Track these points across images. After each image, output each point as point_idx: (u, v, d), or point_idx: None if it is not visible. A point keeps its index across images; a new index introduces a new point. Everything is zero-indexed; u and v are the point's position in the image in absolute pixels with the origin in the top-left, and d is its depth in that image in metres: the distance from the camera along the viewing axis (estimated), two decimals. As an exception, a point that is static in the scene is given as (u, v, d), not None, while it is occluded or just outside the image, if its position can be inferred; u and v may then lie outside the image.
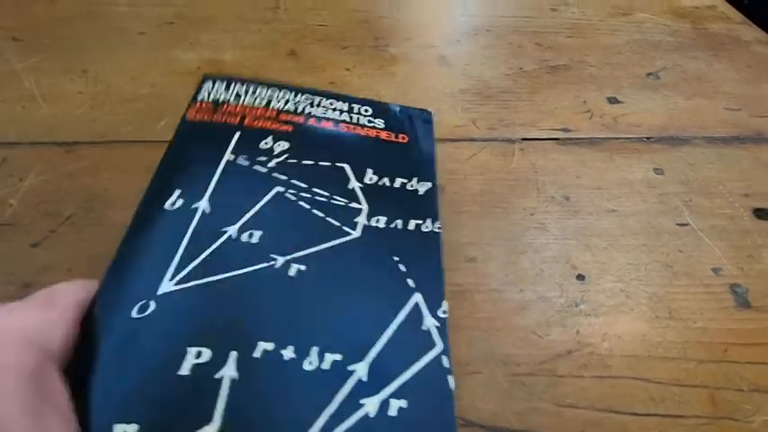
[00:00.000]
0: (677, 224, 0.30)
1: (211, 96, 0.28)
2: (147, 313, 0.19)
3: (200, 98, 0.28)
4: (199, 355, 0.18)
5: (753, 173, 0.34)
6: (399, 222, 0.25)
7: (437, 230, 0.25)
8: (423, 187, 0.27)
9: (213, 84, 0.29)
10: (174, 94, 0.36)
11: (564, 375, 0.23)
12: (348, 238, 0.23)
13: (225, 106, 0.28)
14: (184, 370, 0.18)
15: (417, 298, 0.22)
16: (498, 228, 0.29)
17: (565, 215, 0.30)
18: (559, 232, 0.29)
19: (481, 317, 0.25)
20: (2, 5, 0.44)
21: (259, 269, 0.21)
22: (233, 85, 0.29)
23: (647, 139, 0.36)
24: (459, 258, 0.27)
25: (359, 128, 0.29)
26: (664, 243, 0.29)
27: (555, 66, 0.42)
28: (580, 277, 0.27)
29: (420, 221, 0.25)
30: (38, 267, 0.25)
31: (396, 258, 0.23)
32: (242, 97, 0.29)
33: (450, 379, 0.20)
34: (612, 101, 0.39)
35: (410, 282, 0.22)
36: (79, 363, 0.17)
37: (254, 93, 0.29)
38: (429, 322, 0.21)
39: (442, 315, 0.22)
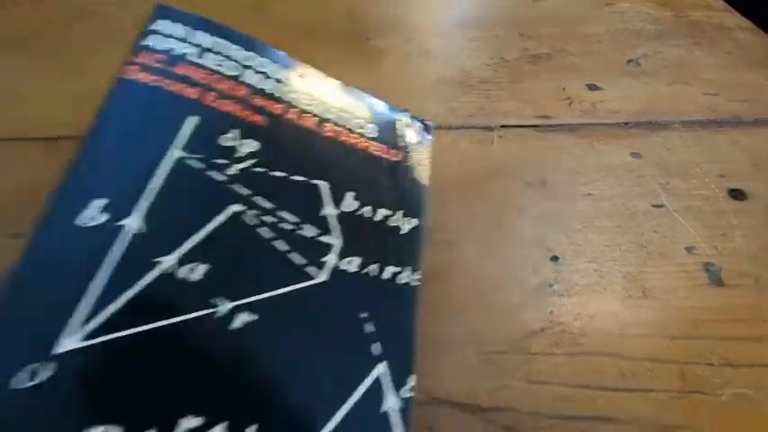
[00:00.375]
0: (653, 205, 0.30)
1: (164, 44, 0.20)
2: (36, 382, 0.14)
3: (147, 43, 0.20)
4: None
5: (729, 155, 0.34)
6: (374, 268, 0.21)
7: (415, 283, 0.22)
8: (407, 225, 0.23)
9: (171, 23, 0.21)
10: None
11: (536, 353, 0.23)
12: (312, 282, 0.19)
13: (181, 65, 0.20)
14: None
15: (381, 370, 0.19)
16: (476, 212, 0.29)
17: (542, 199, 0.30)
18: (536, 216, 0.29)
19: (456, 297, 0.25)
20: (-12, 6, 0.45)
21: (194, 318, 0.17)
22: (197, 32, 0.21)
23: (626, 124, 0.36)
24: (437, 242, 0.27)
25: (346, 133, 0.24)
26: (639, 224, 0.29)
27: (536, 55, 0.43)
28: (554, 258, 0.27)
29: (398, 270, 0.21)
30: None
31: (363, 315, 0.20)
32: (206, 54, 0.21)
33: None
34: (592, 88, 0.39)
35: (375, 348, 0.19)
36: None
37: (224, 50, 0.22)
38: (390, 403, 0.18)
39: (407, 394, 0.18)
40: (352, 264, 0.21)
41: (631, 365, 0.23)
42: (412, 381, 0.19)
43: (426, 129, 0.28)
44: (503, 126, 0.35)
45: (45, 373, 0.14)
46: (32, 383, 0.14)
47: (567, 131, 0.35)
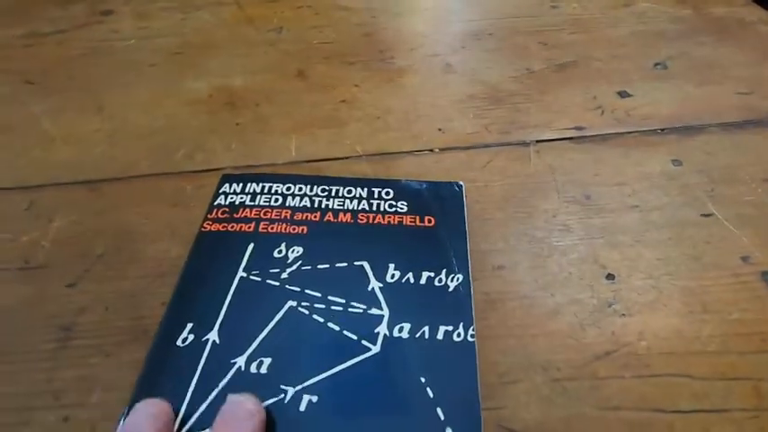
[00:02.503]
0: (701, 215, 0.30)
1: (228, 199, 0.28)
2: None
3: (217, 203, 0.28)
4: None
5: (772, 156, 0.34)
6: (426, 330, 0.22)
7: (471, 339, 0.22)
8: (453, 282, 0.24)
9: (230, 185, 0.29)
10: (188, 125, 0.37)
11: (605, 377, 0.23)
12: (366, 354, 0.21)
13: (241, 210, 0.27)
14: None
15: None
16: (523, 232, 0.29)
17: (587, 214, 0.30)
18: (584, 232, 0.29)
19: (514, 324, 0.25)
20: (12, 49, 0.45)
21: (268, 405, 0.20)
22: (249, 184, 0.29)
23: (662, 130, 0.36)
24: (487, 267, 0.27)
25: (379, 215, 0.27)
26: (690, 235, 0.29)
27: (562, 64, 0.42)
28: (610, 276, 0.27)
29: (450, 328, 0.22)
30: (76, 308, 0.26)
31: (422, 380, 0.20)
32: (258, 197, 0.28)
33: None
34: (623, 95, 0.39)
35: (440, 412, 0.20)
36: None
37: (269, 191, 0.28)
38: None
39: None
40: (403, 330, 0.22)
41: (703, 385, 0.23)
42: None
43: (459, 188, 0.29)
44: (538, 141, 0.35)
45: None
46: None
47: (602, 141, 0.35)
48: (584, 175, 0.33)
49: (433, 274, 0.24)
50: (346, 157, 0.34)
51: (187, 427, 0.19)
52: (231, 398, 0.19)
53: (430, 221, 0.27)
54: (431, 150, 0.35)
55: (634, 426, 0.21)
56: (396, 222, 0.27)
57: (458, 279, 0.24)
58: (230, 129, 0.36)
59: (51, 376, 0.23)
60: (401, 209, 0.27)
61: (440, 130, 0.36)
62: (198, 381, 0.21)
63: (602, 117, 0.37)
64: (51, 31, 0.47)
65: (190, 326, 0.22)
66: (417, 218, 0.27)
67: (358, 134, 0.36)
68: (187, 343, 0.22)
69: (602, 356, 0.24)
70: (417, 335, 0.22)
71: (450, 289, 0.24)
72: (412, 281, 0.24)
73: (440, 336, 0.22)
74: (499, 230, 0.29)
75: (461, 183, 0.29)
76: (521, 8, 0.51)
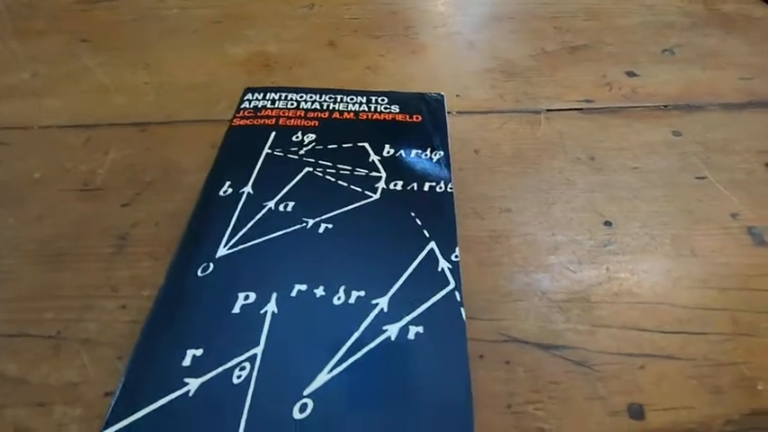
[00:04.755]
0: (696, 177, 0.33)
1: (252, 104, 0.34)
2: (208, 272, 0.24)
3: (242, 106, 0.34)
4: (246, 297, 0.23)
5: (767, 134, 0.36)
6: (415, 185, 0.28)
7: (450, 191, 0.28)
8: (436, 156, 0.30)
9: (253, 94, 0.35)
10: (227, 82, 0.40)
11: (597, 302, 0.26)
12: (369, 200, 0.27)
13: (263, 111, 0.33)
14: (236, 309, 0.22)
15: (432, 245, 0.25)
16: (530, 184, 0.32)
17: (591, 172, 0.33)
18: (586, 186, 0.32)
19: (518, 256, 0.28)
20: (68, 12, 0.49)
21: (293, 230, 0.26)
22: (269, 93, 0.35)
23: (665, 107, 0.39)
24: (495, 209, 0.30)
25: (377, 114, 0.33)
26: (684, 194, 0.31)
27: (575, 46, 0.45)
28: (607, 223, 0.30)
29: (433, 183, 0.28)
30: (130, 222, 0.29)
31: (412, 214, 0.27)
32: (276, 102, 0.34)
33: (463, 310, 0.23)
34: (631, 74, 0.42)
35: (426, 233, 0.26)
36: (161, 305, 0.23)
37: (285, 98, 0.34)
38: (443, 264, 0.24)
39: (455, 259, 0.25)
40: (397, 185, 0.28)
41: (685, 312, 0.25)
42: (457, 251, 0.25)
43: (441, 96, 0.36)
44: (549, 110, 0.38)
45: (211, 267, 0.24)
46: (206, 273, 0.24)
47: (609, 113, 0.38)
48: (589, 141, 0.35)
49: (420, 151, 0.31)
50: (371, 114, 0.37)
51: (230, 243, 0.25)
52: None
53: (418, 118, 0.33)
54: (449, 112, 0.37)
55: (620, 340, 0.24)
56: (390, 118, 0.33)
57: (439, 154, 0.30)
58: (267, 86, 0.40)
59: (110, 274, 0.26)
60: (394, 110, 0.34)
61: (458, 96, 0.39)
62: (237, 219, 0.26)
63: (610, 92, 0.40)
64: (103, -1, 0.51)
65: (228, 182, 0.28)
66: (407, 115, 0.33)
67: (383, 96, 0.39)
68: (227, 194, 0.27)
69: (595, 285, 0.26)
70: (408, 188, 0.28)
71: (434, 160, 0.30)
72: (404, 155, 0.30)
73: (425, 188, 0.28)
74: (508, 181, 0.32)
75: (443, 93, 0.36)
76: (539, -2, 0.54)
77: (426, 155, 0.30)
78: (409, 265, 0.24)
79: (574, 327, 0.25)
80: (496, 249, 0.28)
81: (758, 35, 0.47)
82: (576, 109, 0.38)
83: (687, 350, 0.24)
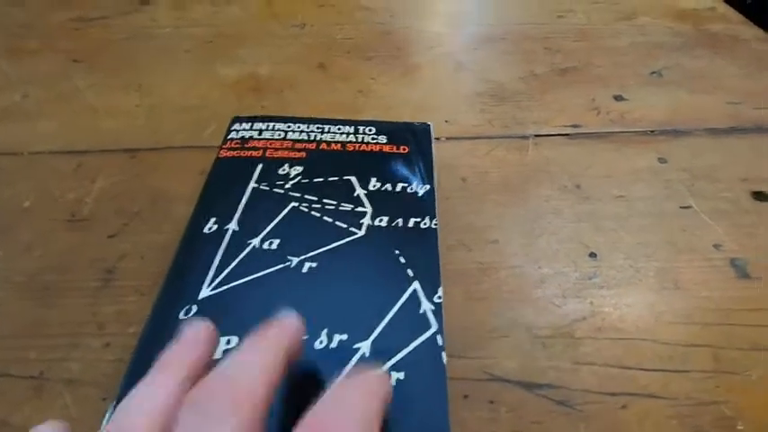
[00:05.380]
0: (680, 207, 0.33)
1: (239, 134, 0.33)
2: (191, 315, 0.24)
3: (230, 137, 0.33)
4: (228, 342, 0.22)
5: (752, 161, 0.36)
6: (400, 221, 0.28)
7: (434, 227, 0.28)
8: (422, 190, 0.30)
9: (240, 123, 0.34)
10: (217, 105, 0.40)
11: (581, 338, 0.26)
12: (354, 237, 0.27)
13: (250, 141, 0.33)
14: (218, 354, 0.21)
15: (416, 285, 0.25)
16: (517, 214, 0.32)
17: (577, 201, 0.33)
18: (572, 216, 0.32)
19: (504, 290, 0.28)
20: (62, 31, 0.49)
21: (277, 270, 0.25)
22: (256, 123, 0.34)
23: (652, 132, 0.39)
24: (482, 240, 0.30)
25: (363, 145, 0.33)
26: (668, 224, 0.32)
27: (564, 68, 0.46)
28: (592, 255, 0.30)
29: (419, 219, 0.28)
30: (117, 255, 0.29)
31: (396, 252, 0.26)
32: (263, 132, 0.34)
33: (444, 355, 0.22)
34: (618, 98, 0.42)
35: (409, 272, 0.25)
36: (143, 348, 0.22)
37: (273, 128, 0.34)
38: (425, 306, 0.24)
39: (438, 300, 0.24)
40: (382, 221, 0.28)
41: (667, 349, 0.25)
42: (440, 292, 0.25)
43: (427, 126, 0.35)
44: (536, 135, 0.38)
45: (194, 310, 0.24)
46: (188, 316, 0.23)
47: (596, 139, 0.38)
48: (576, 167, 0.36)
49: (406, 184, 0.30)
50: (361, 141, 0.37)
51: (214, 284, 0.25)
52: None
53: (404, 149, 0.33)
54: (437, 139, 0.38)
55: (602, 378, 0.24)
56: (377, 150, 0.33)
57: (425, 188, 0.30)
58: (256, 110, 0.40)
59: (96, 310, 0.26)
60: (381, 140, 0.33)
61: (447, 121, 0.39)
62: (221, 258, 0.26)
63: (597, 117, 0.40)
64: (97, 17, 0.51)
65: (213, 218, 0.28)
66: (394, 146, 0.33)
67: (372, 121, 0.39)
68: (212, 231, 0.27)
69: (579, 321, 0.27)
70: (393, 224, 0.28)
71: (420, 194, 0.30)
72: (390, 189, 0.30)
73: (410, 224, 0.28)
74: (496, 210, 0.32)
75: (430, 123, 0.35)
76: (531, 16, 0.54)
77: (412, 188, 0.30)
78: (392, 307, 0.24)
79: (557, 364, 0.25)
80: (483, 282, 0.28)
81: (745, 57, 0.48)
82: (563, 134, 0.39)
83: (669, 388, 0.24)
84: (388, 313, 0.23)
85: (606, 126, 0.39)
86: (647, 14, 0.54)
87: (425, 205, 0.29)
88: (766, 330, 0.26)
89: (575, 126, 0.39)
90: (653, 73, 0.45)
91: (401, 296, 0.24)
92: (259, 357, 0.17)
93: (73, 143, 0.36)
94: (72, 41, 0.47)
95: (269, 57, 0.46)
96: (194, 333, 0.18)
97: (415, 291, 0.25)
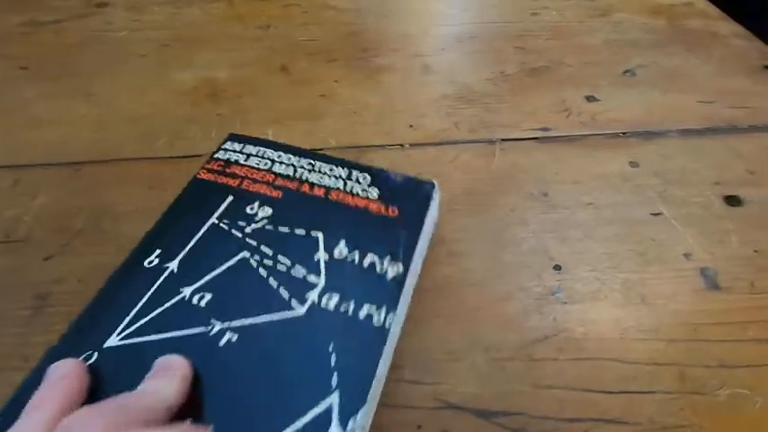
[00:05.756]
0: (651, 214, 0.32)
1: (226, 155, 0.30)
2: (89, 363, 0.21)
3: (216, 156, 0.30)
4: None
5: (725, 162, 0.35)
6: (351, 306, 0.23)
7: (387, 326, 0.22)
8: (392, 270, 0.24)
9: (233, 143, 0.31)
10: (171, 114, 0.39)
11: (541, 359, 0.25)
12: (291, 314, 0.23)
13: (233, 166, 0.30)
14: None
15: (333, 400, 0.20)
16: (481, 224, 0.31)
17: (543, 210, 0.32)
18: (538, 226, 0.31)
19: (464, 307, 0.27)
20: (11, 36, 0.47)
21: (194, 334, 0.22)
22: (247, 145, 0.31)
23: (624, 134, 0.38)
24: (444, 253, 0.29)
25: (349, 197, 0.28)
26: (637, 232, 0.30)
27: (535, 68, 0.44)
28: (557, 267, 0.29)
29: (373, 309, 0.23)
30: (52, 278, 0.27)
31: (330, 348, 0.22)
32: (250, 158, 0.30)
33: None
34: (590, 99, 0.41)
35: (334, 379, 0.21)
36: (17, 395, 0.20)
37: (262, 155, 0.30)
38: None
39: (349, 427, 0.19)
40: (331, 300, 0.23)
41: (632, 369, 0.24)
42: (360, 416, 0.20)
43: (431, 187, 0.29)
44: (504, 140, 0.37)
45: (93, 358, 0.21)
46: (86, 364, 0.21)
47: (566, 142, 0.37)
48: (544, 174, 0.34)
49: (376, 259, 0.25)
50: (320, 149, 0.35)
51: (125, 333, 0.22)
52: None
53: (393, 212, 0.28)
54: (401, 145, 0.36)
55: (562, 402, 0.23)
56: (362, 206, 0.28)
57: (397, 268, 0.25)
58: (211, 119, 0.38)
59: (24, 341, 0.25)
60: (371, 195, 0.28)
61: (411, 126, 0.38)
62: (146, 301, 0.23)
63: (568, 119, 0.39)
64: (49, 20, 0.49)
65: (158, 251, 0.25)
66: (383, 207, 0.28)
67: (333, 127, 0.37)
68: (151, 266, 0.24)
69: (541, 340, 0.25)
70: (342, 308, 0.23)
71: (388, 276, 0.24)
72: (356, 260, 0.25)
73: (361, 315, 0.23)
74: (460, 221, 0.31)
75: (434, 182, 0.29)
76: (504, 14, 0.53)
77: (383, 267, 0.25)
78: (293, 422, 0.19)
79: (515, 388, 0.23)
80: (443, 299, 0.27)
81: (721, 54, 0.46)
82: (531, 138, 0.37)
83: (633, 412, 0.23)
84: (290, 426, 0.19)
85: (576, 129, 0.38)
86: (623, 10, 0.53)
87: (388, 292, 0.24)
88: (734, 346, 0.25)
89: (544, 129, 0.38)
90: (626, 72, 0.44)
91: (312, 408, 0.20)
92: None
93: (12, 157, 0.34)
94: (21, 47, 0.45)
95: (228, 60, 0.44)
96: (60, 372, 0.19)
97: (329, 408, 0.20)
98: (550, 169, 0.35)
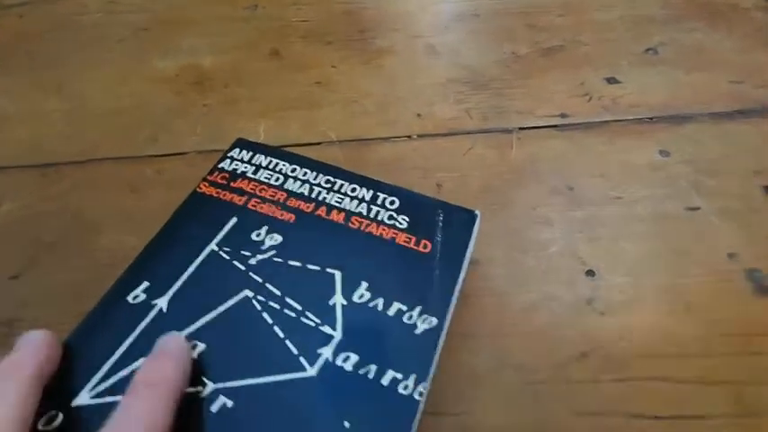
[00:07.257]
0: (687, 208, 0.29)
1: (232, 165, 0.26)
2: (52, 426, 0.17)
3: (221, 166, 0.26)
4: None
5: (761, 148, 0.32)
6: (373, 370, 0.19)
7: (417, 397, 0.18)
8: (424, 324, 0.20)
9: (240, 151, 0.27)
10: (152, 105, 0.35)
11: (579, 381, 0.22)
12: (300, 375, 0.19)
13: (239, 180, 0.25)
14: None
15: None
16: (502, 225, 0.28)
17: (568, 206, 0.29)
18: (564, 226, 0.28)
19: (488, 323, 0.24)
20: (-31, 23, 0.42)
21: (186, 394, 0.18)
22: (257, 155, 0.27)
23: (650, 119, 0.34)
24: (461, 261, 0.26)
25: (373, 225, 0.24)
26: (674, 229, 0.28)
27: (549, 48, 0.41)
28: (590, 273, 0.26)
29: (399, 375, 0.19)
30: (18, 302, 0.24)
31: (346, 425, 0.18)
32: (260, 171, 0.26)
33: None
34: (611, 81, 0.37)
35: None
36: None
37: (274, 168, 0.26)
38: None
39: None
40: (348, 361, 0.19)
41: (682, 389, 0.22)
42: None
43: (472, 217, 0.24)
44: (521, 128, 0.34)
45: (57, 420, 0.17)
46: (49, 427, 0.17)
47: (587, 129, 0.34)
48: (566, 165, 0.31)
49: (405, 308, 0.21)
50: (318, 143, 0.32)
51: (98, 389, 0.18)
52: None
53: (426, 247, 0.23)
54: (408, 137, 0.33)
55: (602, 431, 0.20)
56: (388, 237, 0.23)
57: (430, 322, 0.20)
58: (197, 110, 0.34)
59: (-12, 375, 0.21)
60: (400, 224, 0.24)
61: (418, 115, 0.34)
62: (127, 347, 0.19)
63: (588, 104, 0.36)
64: (14, 3, 0.45)
65: (146, 284, 0.21)
66: (414, 239, 0.23)
67: (332, 118, 0.34)
68: (137, 302, 0.21)
69: (578, 357, 0.23)
70: (361, 371, 0.19)
71: (418, 331, 0.20)
72: (380, 308, 0.21)
73: (385, 381, 0.19)
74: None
75: (477, 212, 0.25)
76: (509, -11, 0.49)
77: (412, 317, 0.20)
78: None
79: (549, 417, 0.21)
80: (464, 315, 0.24)
81: (745, 29, 0.43)
82: (550, 126, 0.34)
83: (685, 440, 0.20)
84: None
85: (598, 114, 0.35)
86: (637, -17, 0.49)
87: (419, 353, 0.20)
88: (794, 360, 0.22)
89: (563, 116, 0.35)
90: (648, 50, 0.40)
91: None
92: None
93: (-27, 160, 0.31)
94: (-20, 35, 0.41)
95: (213, 45, 0.40)
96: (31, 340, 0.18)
97: None
98: (573, 160, 0.31)
